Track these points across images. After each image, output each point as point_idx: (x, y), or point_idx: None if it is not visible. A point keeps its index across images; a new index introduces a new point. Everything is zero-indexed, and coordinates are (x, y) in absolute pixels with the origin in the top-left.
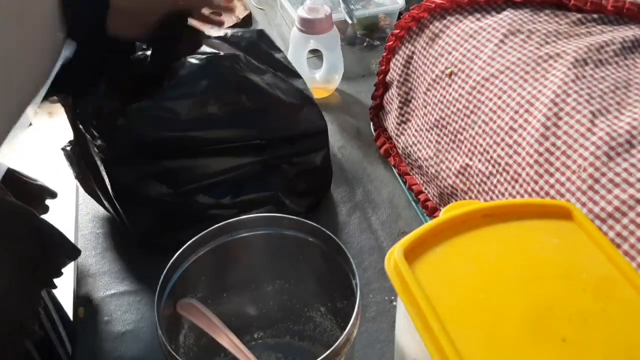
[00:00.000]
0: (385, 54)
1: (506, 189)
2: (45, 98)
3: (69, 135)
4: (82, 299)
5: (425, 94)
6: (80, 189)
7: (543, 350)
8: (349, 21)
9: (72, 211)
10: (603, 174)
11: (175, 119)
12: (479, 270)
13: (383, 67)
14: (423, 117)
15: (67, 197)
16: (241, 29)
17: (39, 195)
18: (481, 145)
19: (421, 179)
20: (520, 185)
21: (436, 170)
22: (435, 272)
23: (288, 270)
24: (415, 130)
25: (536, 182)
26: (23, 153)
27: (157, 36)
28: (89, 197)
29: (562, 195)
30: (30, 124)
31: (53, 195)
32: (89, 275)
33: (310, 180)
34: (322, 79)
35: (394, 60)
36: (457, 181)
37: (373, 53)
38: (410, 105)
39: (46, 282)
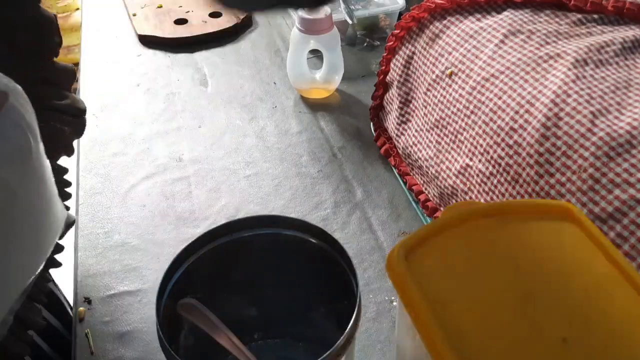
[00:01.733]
0: (385, 54)
1: (506, 190)
2: None
3: None
4: (82, 299)
5: (425, 94)
6: (81, 190)
7: (543, 351)
8: (349, 21)
9: (72, 211)
10: (603, 175)
11: None
12: (479, 271)
13: (383, 68)
14: (423, 118)
15: None
16: None
17: None
18: (481, 145)
19: (421, 179)
20: (521, 186)
21: (436, 171)
22: (435, 272)
23: (288, 270)
24: (416, 131)
25: (536, 183)
26: None
27: None
28: (89, 197)
29: (563, 196)
30: None
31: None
32: (89, 275)
33: None
34: (322, 79)
35: (394, 60)
36: (458, 181)
37: (373, 53)
38: (411, 105)
39: (51, 262)
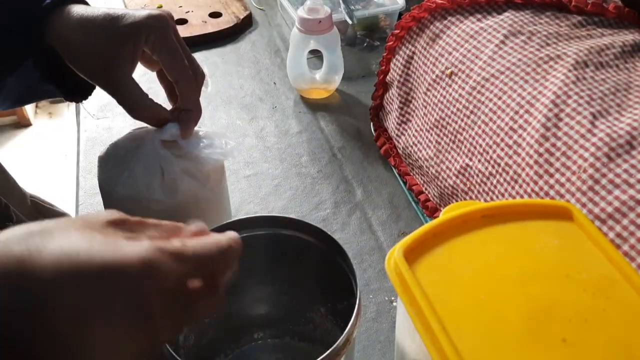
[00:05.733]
0: (385, 54)
1: (506, 190)
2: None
3: (69, 136)
4: None
5: (425, 94)
6: (81, 190)
7: (543, 351)
8: (349, 21)
9: (72, 211)
10: (603, 175)
11: None
12: (479, 271)
13: (383, 68)
14: (423, 118)
15: (67, 197)
16: None
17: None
18: (481, 145)
19: (421, 179)
20: (520, 186)
21: (436, 171)
22: (435, 272)
23: (288, 270)
24: (416, 131)
25: (536, 183)
26: (24, 153)
27: None
28: (89, 198)
29: (562, 196)
30: (31, 125)
31: None
32: None
33: None
34: (322, 80)
35: (394, 60)
36: (458, 181)
37: (373, 53)
38: (411, 105)
39: None
